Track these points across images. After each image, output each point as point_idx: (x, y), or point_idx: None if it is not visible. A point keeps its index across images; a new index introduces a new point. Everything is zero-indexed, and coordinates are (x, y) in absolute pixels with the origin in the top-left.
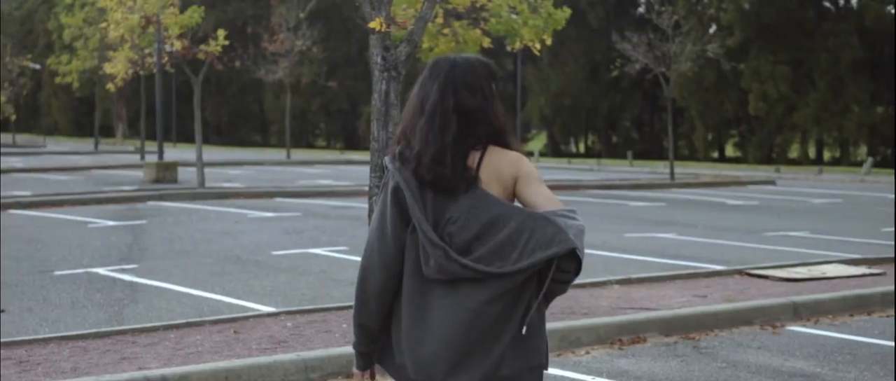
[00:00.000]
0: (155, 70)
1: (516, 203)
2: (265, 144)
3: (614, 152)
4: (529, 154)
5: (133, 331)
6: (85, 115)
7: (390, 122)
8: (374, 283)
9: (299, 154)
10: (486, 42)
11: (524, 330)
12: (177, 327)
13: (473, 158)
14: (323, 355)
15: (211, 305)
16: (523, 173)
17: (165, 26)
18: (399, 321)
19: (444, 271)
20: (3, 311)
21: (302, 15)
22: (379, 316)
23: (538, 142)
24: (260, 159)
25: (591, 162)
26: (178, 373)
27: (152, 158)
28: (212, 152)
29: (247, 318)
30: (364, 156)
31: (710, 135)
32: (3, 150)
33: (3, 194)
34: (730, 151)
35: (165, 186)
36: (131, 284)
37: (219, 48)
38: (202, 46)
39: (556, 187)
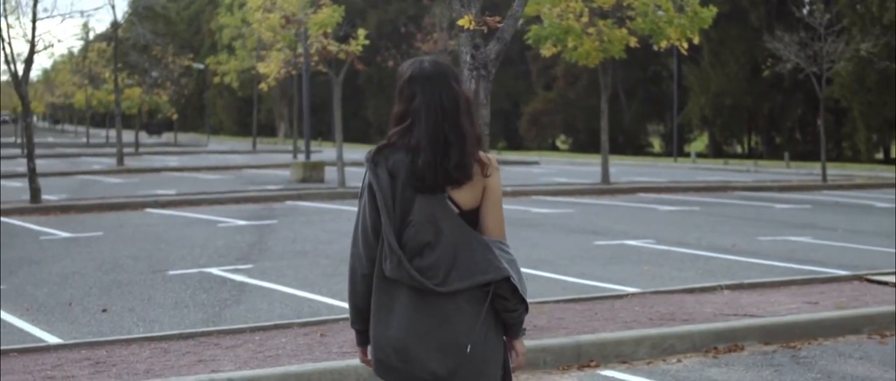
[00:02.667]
0: (303, 70)
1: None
2: None
3: (776, 153)
4: (686, 155)
5: (219, 333)
6: (248, 114)
7: (480, 122)
8: (361, 268)
9: None
10: (633, 41)
11: (469, 349)
12: (264, 329)
13: None
14: None
15: (312, 306)
16: (493, 187)
17: (306, 26)
18: (373, 314)
19: (396, 273)
20: (104, 310)
21: (454, 15)
22: (367, 297)
23: (700, 143)
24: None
25: (749, 163)
26: (246, 376)
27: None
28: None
29: (337, 321)
30: (519, 156)
31: (874, 136)
32: (163, 149)
33: (146, 193)
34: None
35: (309, 186)
36: (241, 284)
37: (359, 48)
38: (342, 46)
39: (704, 189)
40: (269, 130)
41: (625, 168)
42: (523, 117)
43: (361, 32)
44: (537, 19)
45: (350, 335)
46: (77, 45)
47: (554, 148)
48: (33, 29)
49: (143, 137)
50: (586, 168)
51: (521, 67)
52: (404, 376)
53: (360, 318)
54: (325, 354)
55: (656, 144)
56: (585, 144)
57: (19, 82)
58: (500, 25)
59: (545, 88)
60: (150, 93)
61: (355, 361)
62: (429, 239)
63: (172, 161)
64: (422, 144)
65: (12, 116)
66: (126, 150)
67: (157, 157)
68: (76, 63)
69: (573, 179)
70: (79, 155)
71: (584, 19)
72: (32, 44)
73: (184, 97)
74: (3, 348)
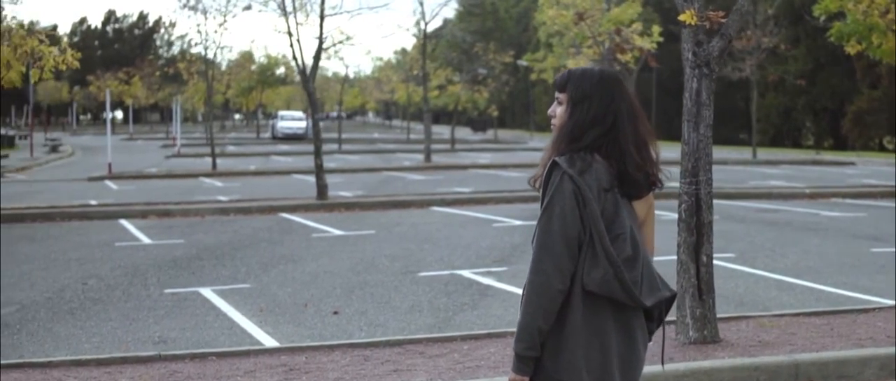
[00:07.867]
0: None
1: None
2: (749, 143)
3: None
4: None
5: (427, 340)
6: None
7: (702, 123)
8: (559, 284)
9: (769, 153)
10: None
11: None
12: (475, 337)
13: None
14: None
15: None
16: (653, 201)
17: (599, 22)
18: (571, 334)
19: (604, 287)
20: (335, 312)
21: (770, 11)
22: (553, 318)
23: None
24: (723, 159)
25: None
26: None
27: None
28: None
29: None
30: (836, 156)
31: None
32: (481, 146)
33: (439, 191)
34: None
35: None
36: (486, 288)
37: (653, 45)
38: (637, 40)
39: None
40: None
41: None
42: (847, 117)
43: (656, 29)
44: (841, 16)
45: None
46: (408, 43)
47: (881, 148)
48: (321, 26)
49: (468, 133)
50: None
51: (847, 65)
52: None
53: (540, 343)
54: None
55: None
56: None
57: (307, 79)
58: (723, 21)
59: (870, 86)
60: (469, 90)
61: None
62: (631, 252)
63: (483, 158)
64: (627, 147)
65: (342, 112)
66: (442, 146)
67: (470, 153)
68: (399, 61)
69: (884, 180)
70: (395, 151)
71: (891, 16)
72: (320, 40)
73: (506, 94)
74: (206, 351)
